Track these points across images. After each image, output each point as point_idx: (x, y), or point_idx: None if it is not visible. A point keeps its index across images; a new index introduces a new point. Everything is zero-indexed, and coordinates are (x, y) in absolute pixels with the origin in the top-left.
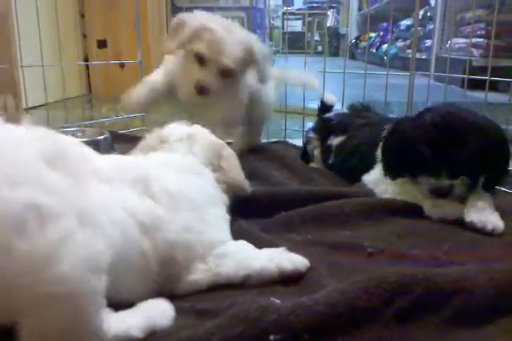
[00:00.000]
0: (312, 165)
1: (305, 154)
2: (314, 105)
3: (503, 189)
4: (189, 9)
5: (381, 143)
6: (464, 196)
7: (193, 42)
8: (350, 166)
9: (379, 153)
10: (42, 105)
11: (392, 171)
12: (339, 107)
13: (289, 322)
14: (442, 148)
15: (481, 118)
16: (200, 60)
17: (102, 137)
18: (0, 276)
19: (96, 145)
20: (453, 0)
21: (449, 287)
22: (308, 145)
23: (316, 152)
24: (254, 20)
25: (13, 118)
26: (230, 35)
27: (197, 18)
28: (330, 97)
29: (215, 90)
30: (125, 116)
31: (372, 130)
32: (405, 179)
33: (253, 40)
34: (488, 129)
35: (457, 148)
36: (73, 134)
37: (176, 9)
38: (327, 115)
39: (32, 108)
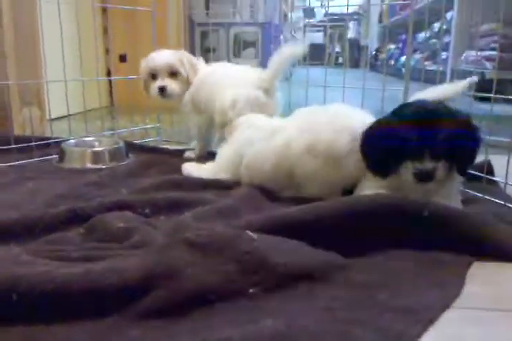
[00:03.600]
0: None
1: None
2: None
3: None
4: (206, 25)
5: (359, 145)
6: (442, 179)
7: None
8: None
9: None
10: (64, 116)
11: (379, 167)
12: None
13: None
14: (422, 133)
15: (451, 108)
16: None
17: (116, 146)
18: None
19: (111, 153)
20: (468, 13)
21: None
22: None
23: None
24: (268, 35)
25: (38, 129)
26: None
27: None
28: None
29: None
30: (142, 127)
31: None
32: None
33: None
34: (457, 115)
35: (435, 131)
36: (90, 143)
37: (193, 25)
38: None
39: (55, 119)
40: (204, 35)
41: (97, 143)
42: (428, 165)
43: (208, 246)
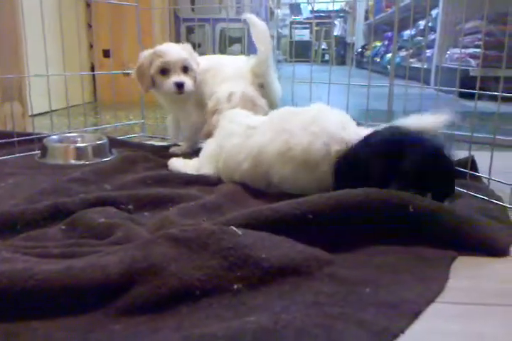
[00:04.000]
0: None
1: None
2: None
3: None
4: (191, 20)
5: (333, 165)
6: None
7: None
8: None
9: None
10: (47, 112)
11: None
12: None
13: None
14: (389, 162)
15: (421, 137)
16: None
17: (99, 142)
18: None
19: (94, 149)
20: (452, 11)
21: None
22: None
23: None
24: None
25: (19, 124)
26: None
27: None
28: None
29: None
30: (125, 122)
31: None
32: None
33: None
34: (427, 145)
35: (401, 161)
36: (73, 139)
37: (178, 20)
38: None
39: (37, 115)
40: (190, 30)
41: (79, 139)
42: None
43: (192, 242)
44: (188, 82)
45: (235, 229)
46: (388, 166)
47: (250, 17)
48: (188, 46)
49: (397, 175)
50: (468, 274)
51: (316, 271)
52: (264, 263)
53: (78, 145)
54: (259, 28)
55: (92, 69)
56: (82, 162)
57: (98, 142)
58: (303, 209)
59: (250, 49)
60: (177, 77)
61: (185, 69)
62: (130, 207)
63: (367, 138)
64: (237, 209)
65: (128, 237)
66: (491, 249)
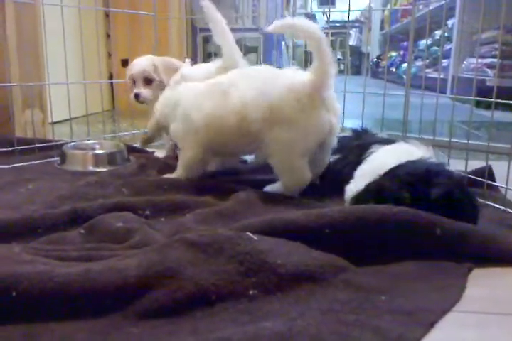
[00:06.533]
0: None
1: None
2: None
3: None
4: (208, 30)
5: (354, 195)
6: None
7: None
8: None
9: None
10: (66, 120)
11: None
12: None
13: None
14: (415, 192)
15: (447, 170)
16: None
17: (117, 149)
18: None
19: (112, 156)
20: (469, 21)
21: None
22: None
23: None
24: (270, 41)
25: (39, 131)
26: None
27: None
28: None
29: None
30: (142, 130)
31: (360, 150)
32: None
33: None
34: (451, 175)
35: (428, 192)
36: (92, 146)
37: (195, 30)
38: None
39: (56, 122)
40: (206, 40)
41: (98, 146)
42: None
43: (208, 247)
44: (144, 92)
45: (250, 234)
46: (416, 195)
47: (207, 4)
48: (156, 59)
49: (425, 204)
50: (484, 283)
51: (332, 277)
52: (280, 269)
53: (96, 152)
54: (218, 23)
55: (111, 78)
56: (100, 168)
57: (116, 149)
58: (321, 222)
59: (266, 59)
60: (136, 89)
61: (148, 81)
62: (147, 212)
63: (389, 171)
64: (252, 217)
65: (145, 241)
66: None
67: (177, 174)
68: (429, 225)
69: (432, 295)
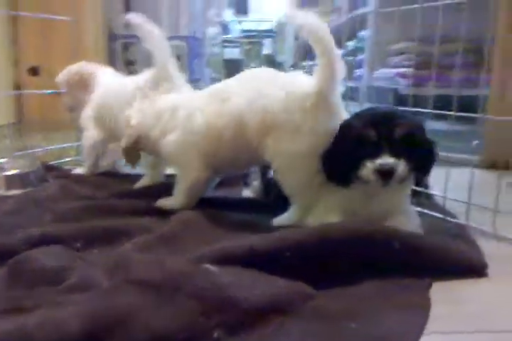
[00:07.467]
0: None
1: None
2: None
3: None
4: (127, 37)
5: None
6: (403, 182)
7: None
8: None
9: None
10: None
11: (340, 175)
12: None
13: None
14: (380, 132)
15: (407, 113)
16: None
17: (32, 169)
18: None
19: (26, 177)
20: (381, 32)
21: None
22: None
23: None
24: (193, 49)
25: None
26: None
27: None
28: None
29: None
30: (58, 145)
31: None
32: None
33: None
34: (413, 119)
35: (392, 130)
36: (1, 166)
37: (113, 36)
38: None
39: None
40: (126, 47)
41: (7, 166)
42: (389, 160)
43: (160, 286)
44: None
45: (208, 266)
46: (381, 135)
47: (138, 22)
48: (71, 68)
49: (389, 142)
50: (447, 299)
51: (300, 306)
52: (244, 304)
53: (7, 173)
54: (155, 35)
55: (18, 87)
56: (13, 192)
57: (30, 169)
58: (280, 245)
59: (188, 68)
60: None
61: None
62: (78, 244)
63: (353, 115)
64: (199, 240)
65: (84, 283)
66: (470, 269)
67: (177, 201)
68: (387, 238)
69: (400, 317)
